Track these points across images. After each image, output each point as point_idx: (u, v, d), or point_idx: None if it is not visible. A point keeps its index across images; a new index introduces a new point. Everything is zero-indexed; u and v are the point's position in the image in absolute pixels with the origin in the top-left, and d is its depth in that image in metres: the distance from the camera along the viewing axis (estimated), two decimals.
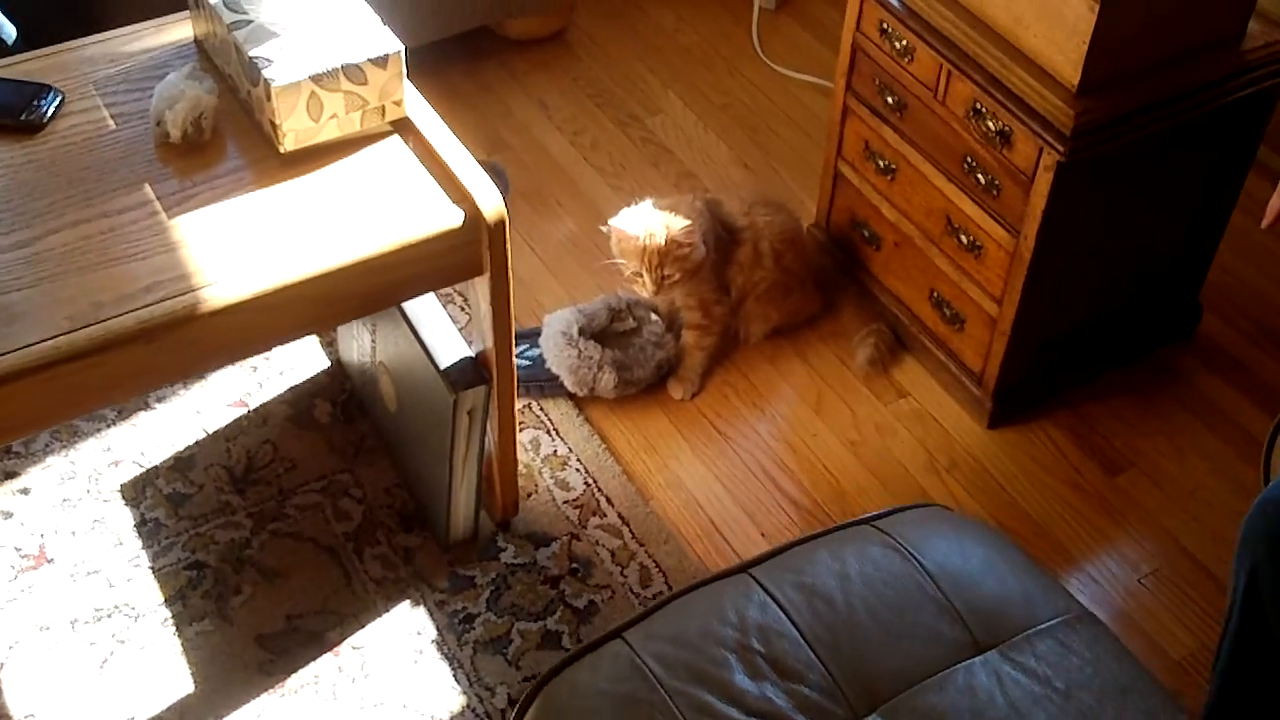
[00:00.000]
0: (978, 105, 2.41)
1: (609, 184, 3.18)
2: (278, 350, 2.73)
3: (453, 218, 2.00)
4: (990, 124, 2.39)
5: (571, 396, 2.70)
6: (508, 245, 2.05)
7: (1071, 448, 2.68)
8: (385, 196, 2.03)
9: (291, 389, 2.68)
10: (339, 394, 2.68)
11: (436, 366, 2.23)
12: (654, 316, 2.78)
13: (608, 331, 2.77)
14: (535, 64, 3.47)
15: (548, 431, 2.65)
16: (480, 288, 2.13)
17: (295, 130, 2.04)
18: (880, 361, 2.78)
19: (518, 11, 3.35)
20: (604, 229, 2.65)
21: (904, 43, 2.53)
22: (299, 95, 2.01)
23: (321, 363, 2.72)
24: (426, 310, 2.32)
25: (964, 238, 2.57)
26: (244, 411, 2.64)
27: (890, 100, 2.62)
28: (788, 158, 3.27)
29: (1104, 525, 2.56)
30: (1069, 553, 2.52)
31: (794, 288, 2.79)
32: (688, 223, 2.57)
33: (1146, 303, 2.78)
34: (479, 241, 2.04)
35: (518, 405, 2.63)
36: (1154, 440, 2.70)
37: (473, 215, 2.01)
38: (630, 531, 2.49)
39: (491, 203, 2.01)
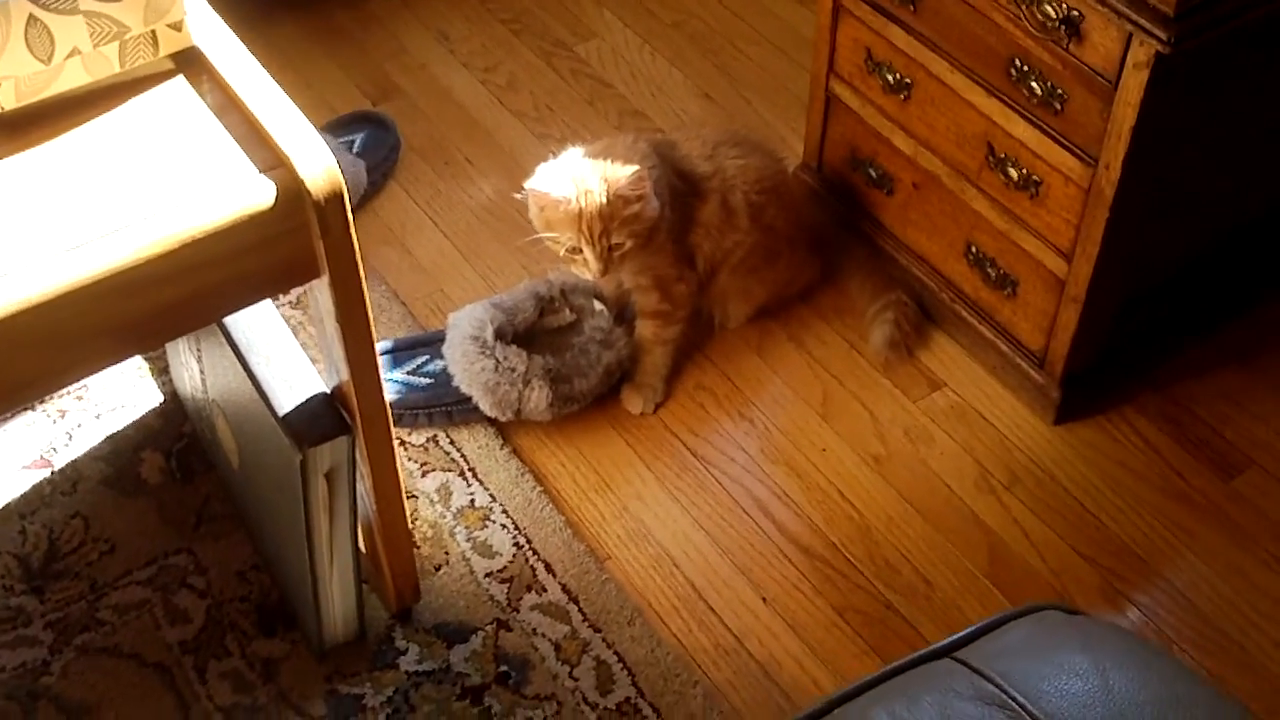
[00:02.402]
0: None
1: (533, 132, 2.47)
2: (94, 383, 2.02)
3: (259, 193, 1.29)
4: (1050, 8, 1.69)
5: (492, 422, 2.00)
6: (350, 229, 1.35)
7: (1169, 444, 1.99)
8: (159, 170, 1.32)
9: (110, 438, 1.97)
10: (175, 441, 1.97)
11: (274, 413, 1.53)
12: (598, 305, 2.08)
13: (537, 330, 2.06)
14: None
15: (461, 474, 1.94)
16: (321, 295, 1.42)
17: (15, 77, 1.33)
18: (903, 343, 2.08)
19: None
20: (519, 195, 1.94)
21: None
22: (10, 22, 1.29)
23: (152, 397, 2.01)
24: (259, 324, 1.61)
25: (1014, 171, 1.86)
26: (46, 474, 1.93)
27: None
28: (761, 83, 2.56)
29: (1228, 550, 1.88)
30: (1187, 596, 1.83)
31: (780, 252, 2.09)
32: (634, 169, 1.87)
33: (1249, 242, 2.09)
34: (306, 227, 1.33)
35: (419, 439, 1.93)
36: (1275, 424, 2.02)
37: (289, 187, 1.30)
38: (580, 610, 1.79)
39: (317, 165, 1.30)
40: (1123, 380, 2.05)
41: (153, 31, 1.38)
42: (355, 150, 2.33)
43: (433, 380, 1.99)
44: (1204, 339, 2.11)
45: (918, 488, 1.94)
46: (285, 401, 1.53)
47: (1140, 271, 1.92)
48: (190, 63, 1.42)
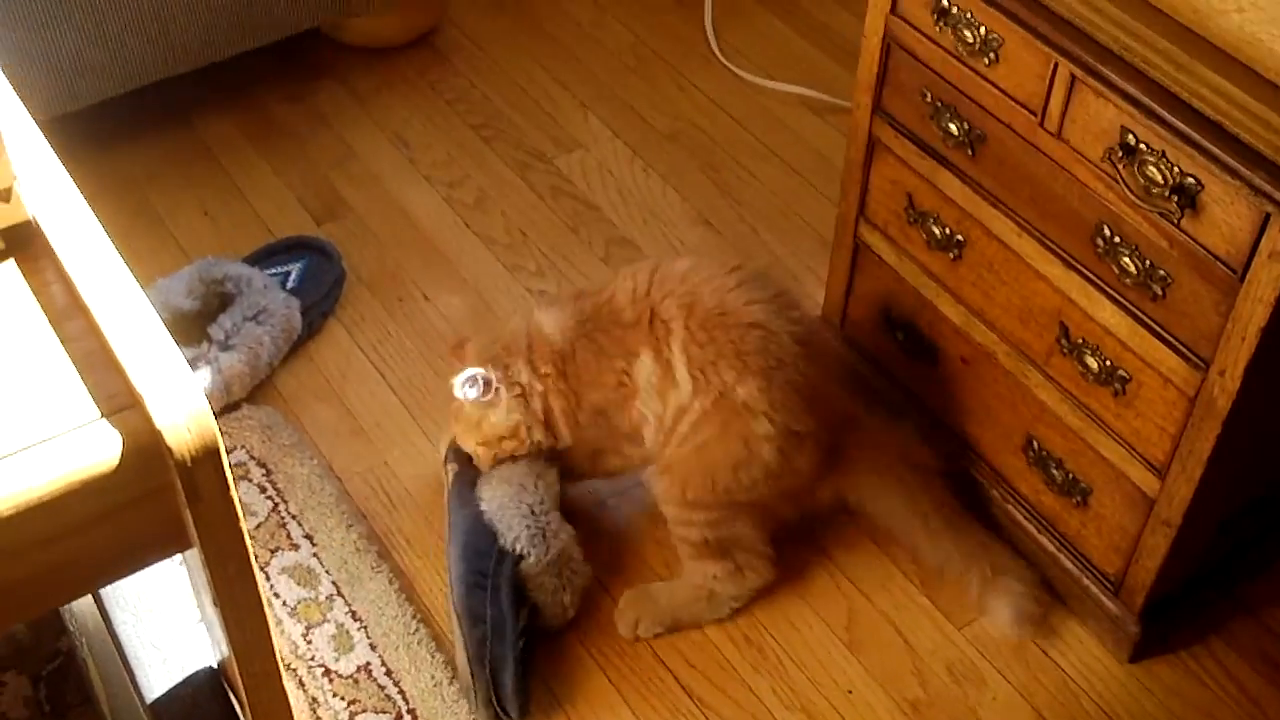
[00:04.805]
0: (1131, 139, 1.35)
1: (504, 262, 2.10)
2: None
3: (98, 448, 0.92)
4: (1156, 172, 1.33)
5: (439, 647, 1.61)
6: (230, 491, 0.96)
7: (1268, 691, 1.63)
8: None
9: None
10: (46, 661, 1.58)
11: (140, 697, 1.14)
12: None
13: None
14: (392, 82, 2.38)
15: (399, 717, 1.56)
16: (195, 568, 1.04)
17: None
18: (1036, 620, 1.66)
19: (361, 7, 2.26)
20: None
21: (983, 30, 1.46)
22: None
23: None
24: None
25: (1094, 361, 1.50)
26: None
27: (955, 129, 1.55)
28: (770, 210, 2.20)
29: None
30: None
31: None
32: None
33: None
34: (169, 489, 0.95)
35: (348, 667, 1.56)
36: None
37: (143, 441, 0.92)
38: None
39: (182, 408, 0.93)
40: (1209, 604, 1.68)
41: None
42: (290, 285, 1.96)
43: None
44: None
45: None
46: (156, 681, 1.15)
47: (1246, 486, 1.56)
48: (25, 242, 1.04)
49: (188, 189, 2.16)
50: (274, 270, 1.97)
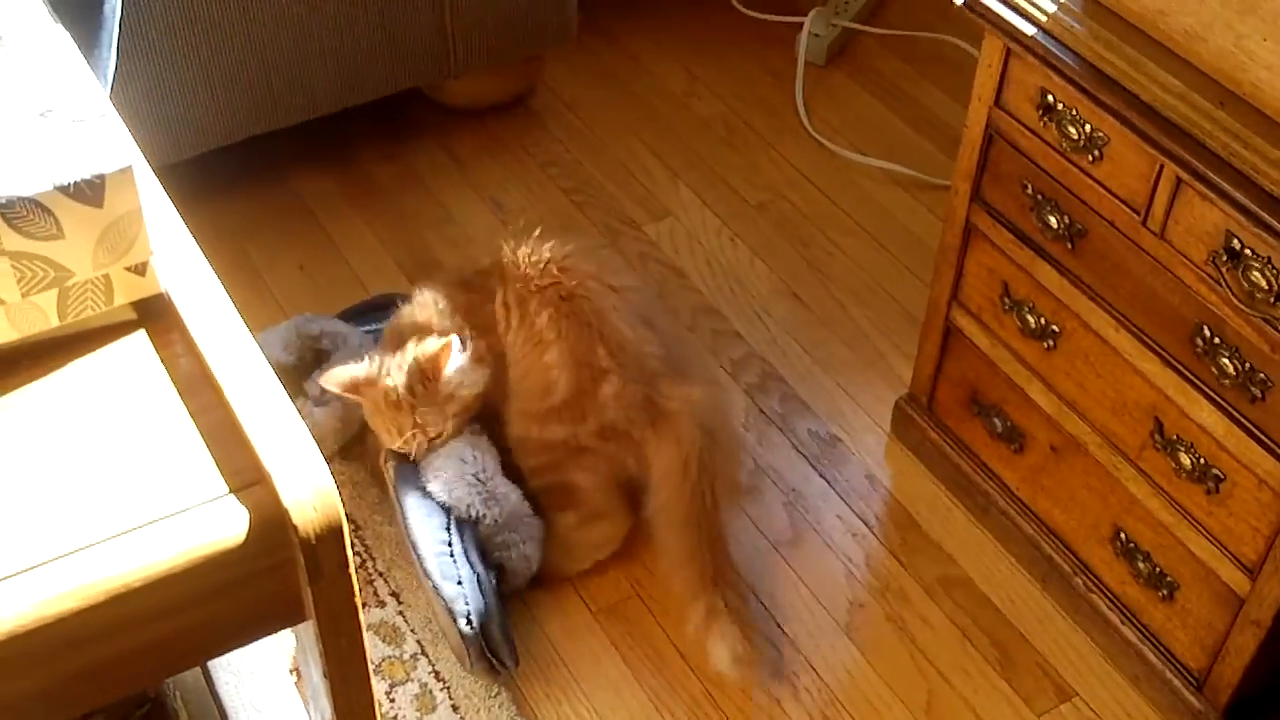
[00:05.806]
0: (1236, 244, 1.35)
1: None
2: None
3: (224, 525, 0.94)
4: (1260, 277, 1.34)
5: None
6: (349, 569, 0.99)
7: None
8: (85, 477, 0.97)
9: None
10: (135, 706, 1.61)
11: None
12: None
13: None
14: (487, 144, 2.42)
15: None
16: (305, 638, 1.06)
17: None
18: (748, 658, 1.67)
19: (459, 68, 2.30)
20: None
21: (1088, 128, 1.47)
22: None
23: None
24: None
25: (1187, 458, 1.50)
26: None
27: (1054, 221, 1.57)
28: (857, 284, 2.21)
29: None
30: None
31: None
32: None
33: None
34: (290, 564, 0.97)
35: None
36: None
37: (268, 516, 0.95)
38: None
39: (308, 486, 0.95)
40: None
41: (106, 275, 1.04)
42: None
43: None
44: None
45: None
46: None
47: None
48: (157, 314, 1.08)
49: (285, 244, 2.21)
50: (368, 327, 2.00)
